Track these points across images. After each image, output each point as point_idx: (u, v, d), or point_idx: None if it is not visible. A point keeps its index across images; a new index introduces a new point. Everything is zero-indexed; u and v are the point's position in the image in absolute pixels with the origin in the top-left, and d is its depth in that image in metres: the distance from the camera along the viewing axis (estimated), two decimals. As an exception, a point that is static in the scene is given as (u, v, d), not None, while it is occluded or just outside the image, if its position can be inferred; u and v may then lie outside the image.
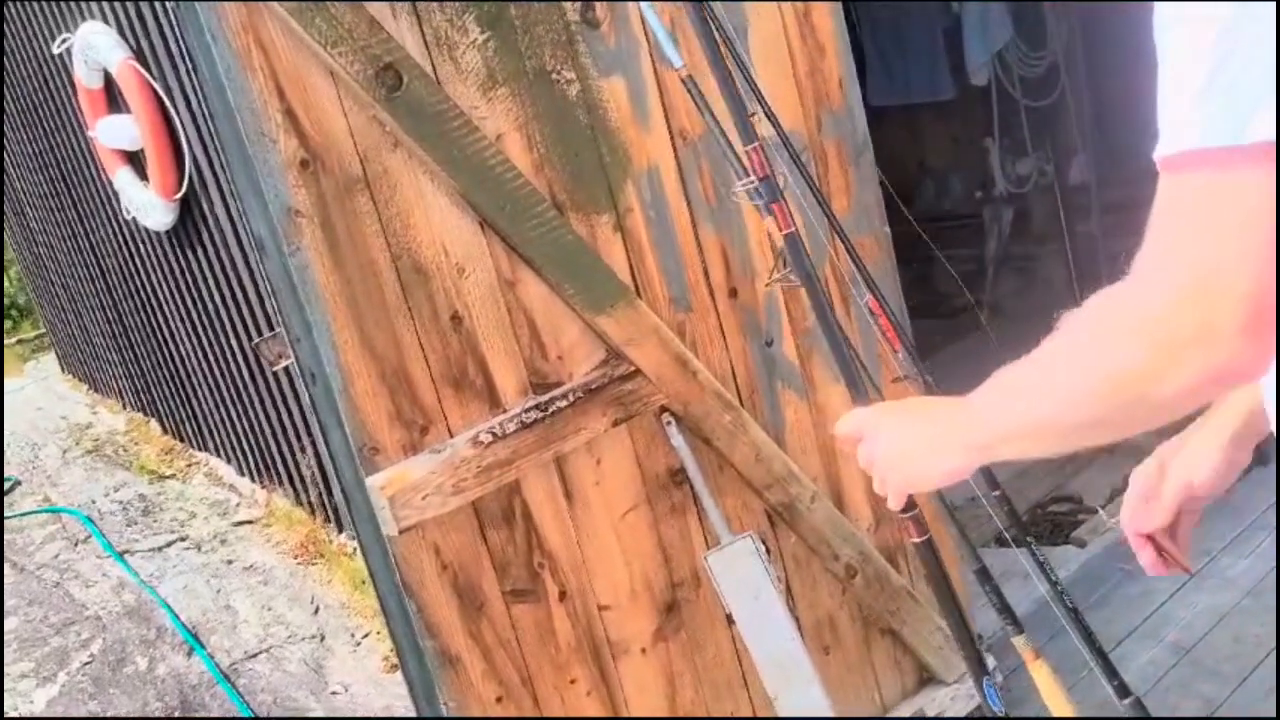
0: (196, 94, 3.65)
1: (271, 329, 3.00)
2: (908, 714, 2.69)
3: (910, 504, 1.20)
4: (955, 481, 1.06)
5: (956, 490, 1.80)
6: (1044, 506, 3.86)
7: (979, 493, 1.88)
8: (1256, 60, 0.73)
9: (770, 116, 2.05)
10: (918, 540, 1.23)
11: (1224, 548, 3.17)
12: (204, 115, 3.60)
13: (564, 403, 2.12)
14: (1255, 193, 0.73)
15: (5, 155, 6.78)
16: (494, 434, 2.03)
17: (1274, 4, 0.73)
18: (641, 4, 2.01)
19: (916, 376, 1.98)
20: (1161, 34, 0.78)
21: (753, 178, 1.52)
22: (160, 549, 4.85)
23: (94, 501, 5.44)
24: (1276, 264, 0.73)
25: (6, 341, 9.11)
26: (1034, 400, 0.90)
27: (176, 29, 1.98)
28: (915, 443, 1.07)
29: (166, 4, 2.09)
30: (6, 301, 9.51)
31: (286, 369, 2.03)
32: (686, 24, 2.22)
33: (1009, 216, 5.65)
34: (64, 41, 4.66)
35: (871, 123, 2.58)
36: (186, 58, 1.98)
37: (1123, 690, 1.53)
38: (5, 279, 9.48)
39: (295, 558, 4.54)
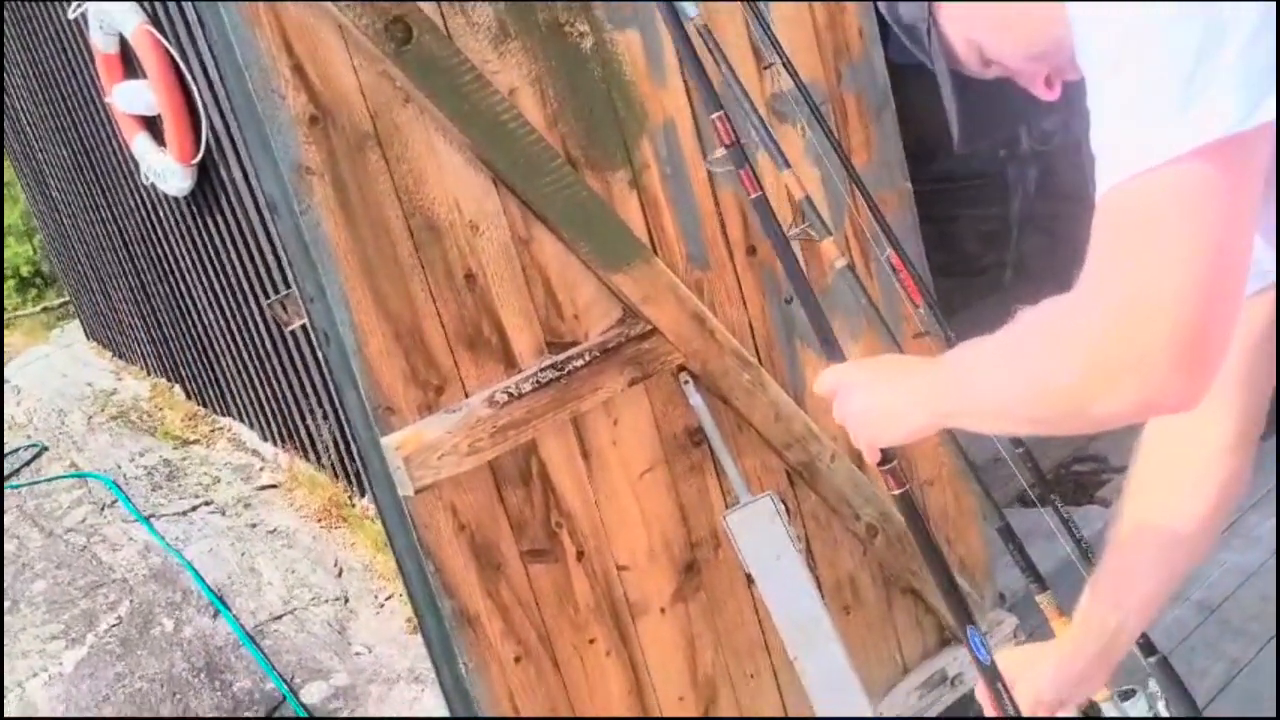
0: (212, 58, 3.63)
1: (289, 292, 2.99)
2: (929, 673, 2.68)
3: (888, 457, 1.21)
4: (920, 439, 1.09)
5: (981, 449, 1.77)
6: (1067, 466, 3.82)
7: (1003, 452, 1.85)
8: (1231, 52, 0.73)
9: (788, 67, 2.01)
10: (897, 492, 1.23)
11: (1252, 505, 3.13)
12: (219, 79, 3.57)
13: (580, 362, 2.09)
14: (1197, 212, 0.74)
15: (27, 126, 6.79)
16: (510, 394, 2.01)
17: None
18: (655, -47, 1.96)
19: (939, 332, 1.94)
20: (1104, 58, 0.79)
21: (721, 149, 1.49)
22: (185, 513, 4.89)
23: (119, 466, 5.49)
24: (1216, 297, 0.74)
25: (32, 309, 9.18)
26: (985, 389, 0.94)
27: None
28: (885, 400, 1.10)
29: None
30: (31, 270, 9.57)
31: (302, 329, 2.02)
32: (702, -25, 2.18)
33: (1034, 174, 5.56)
34: (78, 8, 4.64)
35: (892, 79, 2.52)
36: (199, 20, 1.95)
37: (1148, 648, 1.51)
38: (30, 247, 9.54)
39: (318, 521, 4.56)
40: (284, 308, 1.94)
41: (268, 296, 4.29)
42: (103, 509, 5.11)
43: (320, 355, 1.94)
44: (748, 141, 1.63)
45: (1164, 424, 1.10)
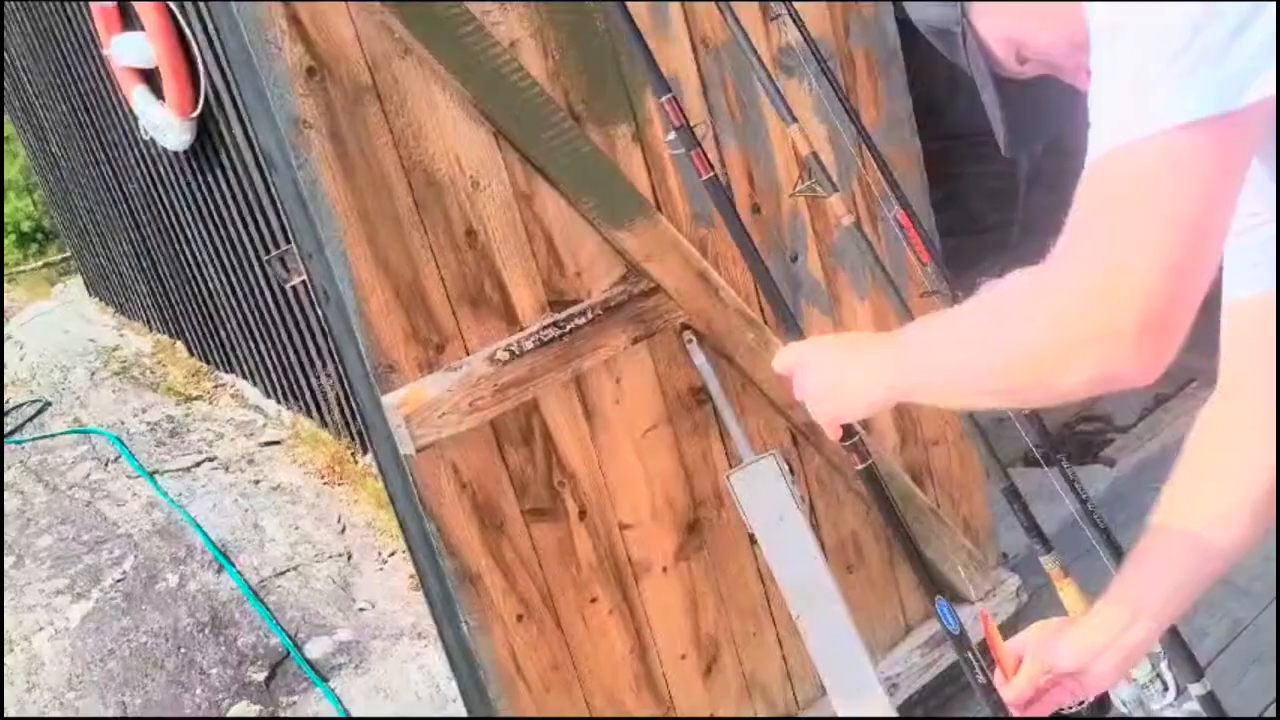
0: (207, 7, 3.57)
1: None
2: (931, 632, 2.68)
3: (849, 432, 1.22)
4: (877, 413, 1.09)
5: (985, 409, 1.75)
6: (1072, 426, 3.81)
7: (1008, 412, 1.83)
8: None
9: (796, 20, 1.96)
10: (860, 467, 1.23)
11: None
12: (215, 30, 3.52)
13: (582, 320, 2.07)
14: (1179, 188, 0.74)
15: (26, 81, 6.72)
16: (511, 352, 1.99)
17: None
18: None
19: (946, 290, 1.92)
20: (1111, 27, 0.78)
21: (672, 131, 1.47)
22: (189, 469, 4.90)
23: (123, 423, 5.49)
24: (1188, 271, 0.75)
25: (33, 264, 9.15)
26: (946, 363, 0.94)
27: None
28: (843, 376, 1.10)
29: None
30: (32, 225, 9.52)
31: (302, 285, 1.99)
32: (708, -76, 2.13)
33: (1043, 131, 5.47)
34: (75, -43, 4.56)
35: (901, 34, 2.48)
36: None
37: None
38: (31, 202, 9.49)
39: (321, 478, 4.57)
40: (283, 264, 1.92)
41: (269, 252, 4.26)
42: (106, 465, 5.12)
43: (320, 312, 1.91)
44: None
45: (1209, 436, 1.07)
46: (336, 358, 1.93)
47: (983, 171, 5.43)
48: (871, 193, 2.31)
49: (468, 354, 1.99)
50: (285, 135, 1.78)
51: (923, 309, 1.93)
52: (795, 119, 1.83)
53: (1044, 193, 5.45)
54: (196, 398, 5.66)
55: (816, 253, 2.39)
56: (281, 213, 3.57)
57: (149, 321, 6.61)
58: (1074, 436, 3.77)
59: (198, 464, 4.91)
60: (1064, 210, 0.83)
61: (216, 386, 5.70)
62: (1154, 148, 0.75)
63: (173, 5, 3.98)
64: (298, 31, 1.78)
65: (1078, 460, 3.53)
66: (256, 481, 4.66)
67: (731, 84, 2.23)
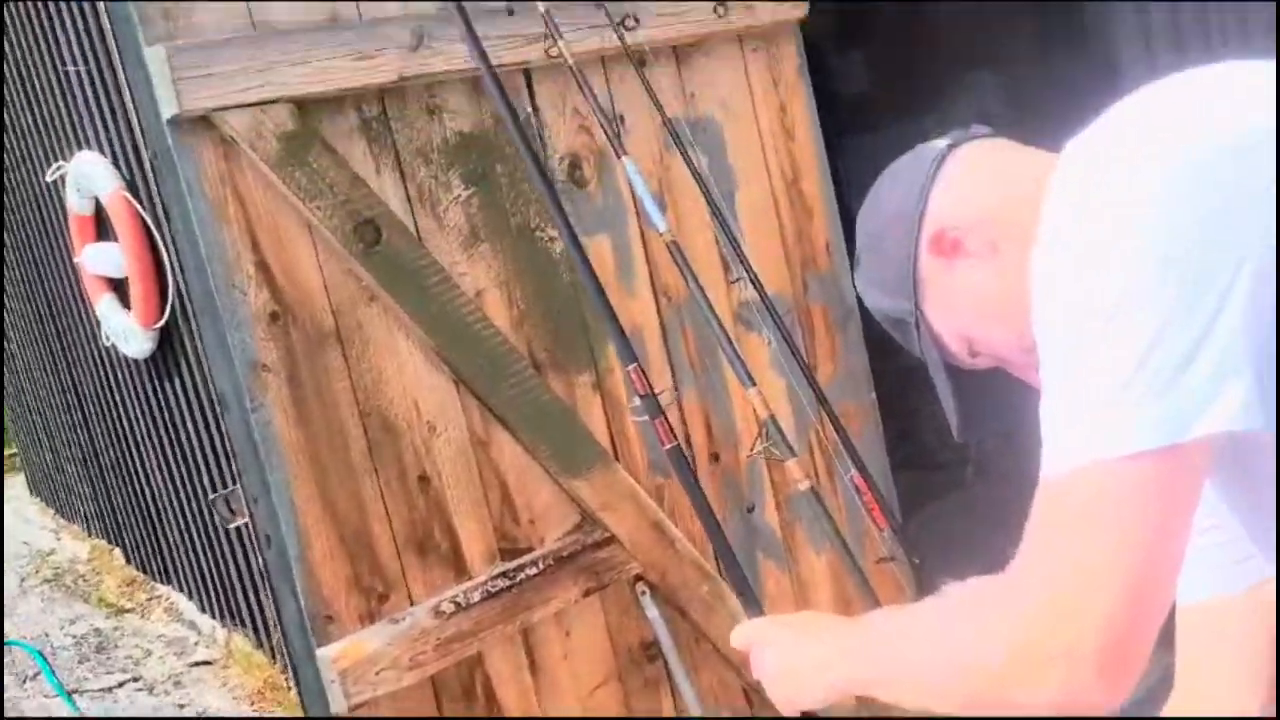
0: (174, 249, 3.64)
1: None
2: None
3: (807, 716, 1.17)
4: (834, 702, 1.06)
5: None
6: None
7: None
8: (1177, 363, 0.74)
9: (755, 283, 2.01)
10: None
11: None
12: (180, 272, 3.58)
13: (533, 570, 2.02)
14: (1132, 514, 0.75)
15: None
16: (457, 603, 1.92)
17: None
18: (628, 166, 1.99)
19: (903, 557, 1.89)
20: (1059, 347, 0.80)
21: (636, 398, 1.48)
22: (111, 689, 4.62)
23: (47, 635, 5.23)
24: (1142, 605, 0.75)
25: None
26: (906, 662, 0.92)
27: (156, 185, 1.95)
28: (800, 663, 1.06)
29: (144, 157, 2.06)
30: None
31: (245, 526, 1.93)
32: (674, 185, 2.22)
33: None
34: (58, 169, 4.68)
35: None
36: (164, 210, 1.95)
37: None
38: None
39: (252, 704, 4.32)
40: (227, 505, 1.87)
41: (219, 464, 4.18)
42: (24, 681, 4.83)
43: (261, 557, 1.85)
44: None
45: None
46: (274, 606, 1.85)
47: (938, 408, 5.53)
48: (829, 451, 2.32)
49: (412, 604, 1.92)
50: (243, 378, 1.77)
51: (879, 575, 1.90)
52: (754, 382, 1.84)
53: (998, 436, 5.53)
54: (128, 610, 5.42)
55: (774, 505, 2.37)
56: (230, 452, 3.53)
57: (88, 526, 6.42)
58: None
59: (121, 684, 4.64)
60: (1016, 453, 0.83)
61: (150, 599, 5.47)
62: (1105, 474, 0.75)
63: (146, 216, 4.06)
64: (264, 277, 1.80)
65: None
66: (182, 706, 4.40)
67: (692, 336, 2.26)
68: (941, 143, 1.03)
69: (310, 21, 1.85)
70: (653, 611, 2.16)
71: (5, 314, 6.67)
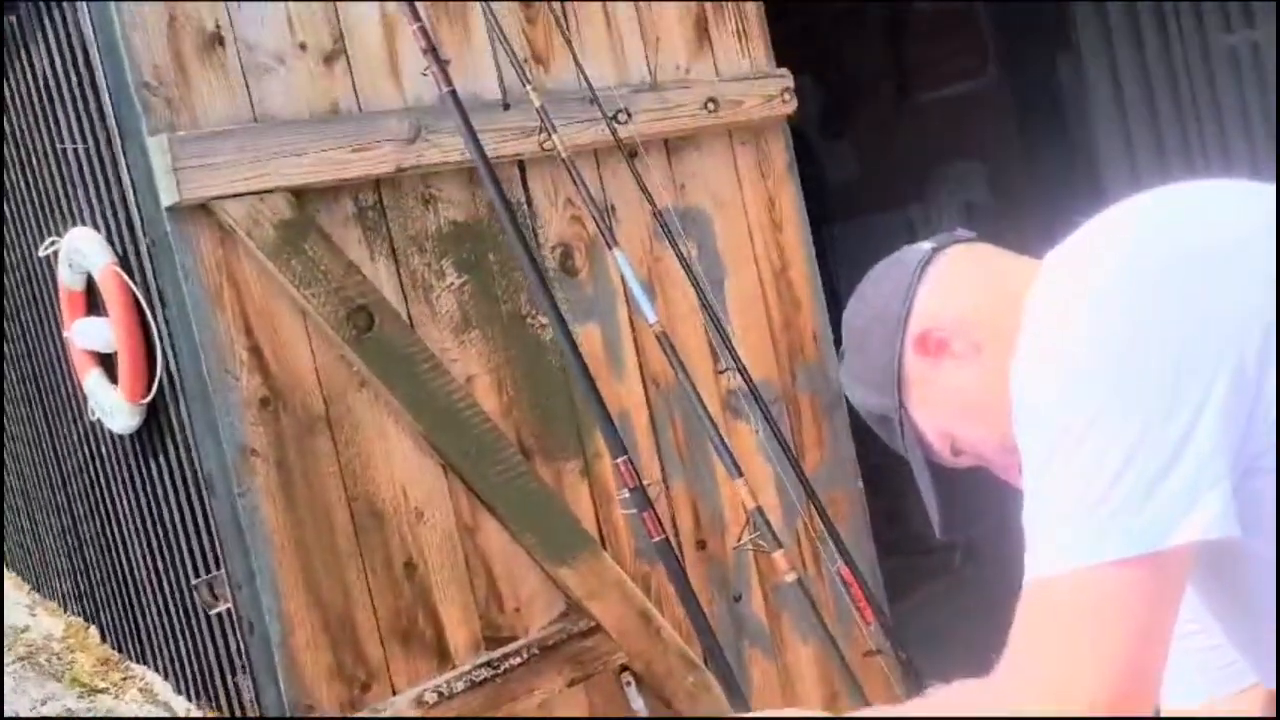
0: (168, 334, 3.66)
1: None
2: None
3: None
4: None
5: None
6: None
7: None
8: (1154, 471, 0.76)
9: (743, 372, 2.03)
10: None
11: None
12: (172, 357, 3.59)
13: (518, 659, 2.00)
14: (1114, 619, 0.77)
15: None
16: (440, 693, 1.90)
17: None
18: (619, 257, 2.02)
19: (889, 651, 1.89)
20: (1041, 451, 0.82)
21: (625, 491, 1.50)
22: (81, 773, 4.51)
23: (18, 715, 5.11)
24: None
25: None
26: None
27: (152, 269, 1.97)
28: None
29: (140, 244, 2.09)
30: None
31: (228, 612, 1.92)
32: (664, 275, 2.25)
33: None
34: (51, 244, 4.71)
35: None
36: (159, 295, 1.96)
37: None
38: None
39: (225, 790, 4.22)
40: (210, 590, 1.85)
41: (201, 542, 4.14)
42: (-9, 763, 4.71)
43: (242, 644, 1.83)
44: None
45: None
46: (254, 695, 1.82)
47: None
48: (815, 541, 2.32)
49: (394, 693, 1.90)
50: (231, 462, 1.77)
51: (866, 668, 1.89)
52: (741, 473, 1.85)
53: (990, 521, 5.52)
54: (102, 690, 5.31)
55: (761, 594, 2.36)
56: (216, 536, 3.51)
57: (64, 602, 6.31)
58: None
59: (91, 767, 4.53)
60: (1006, 538, 0.84)
61: (125, 678, 5.36)
62: (1086, 581, 0.77)
63: (137, 292, 4.07)
64: (257, 363, 1.81)
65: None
66: (153, 791, 4.29)
67: (680, 425, 2.28)
68: (926, 245, 1.06)
69: (311, 113, 1.89)
70: (638, 703, 2.14)
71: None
